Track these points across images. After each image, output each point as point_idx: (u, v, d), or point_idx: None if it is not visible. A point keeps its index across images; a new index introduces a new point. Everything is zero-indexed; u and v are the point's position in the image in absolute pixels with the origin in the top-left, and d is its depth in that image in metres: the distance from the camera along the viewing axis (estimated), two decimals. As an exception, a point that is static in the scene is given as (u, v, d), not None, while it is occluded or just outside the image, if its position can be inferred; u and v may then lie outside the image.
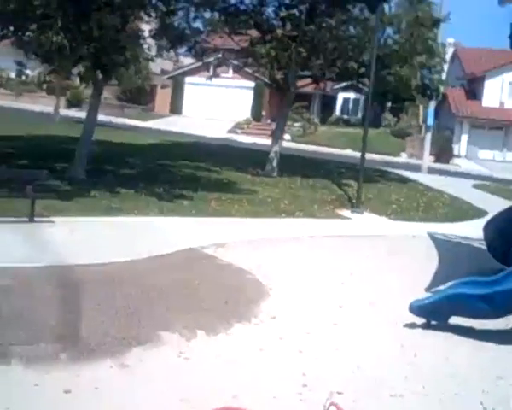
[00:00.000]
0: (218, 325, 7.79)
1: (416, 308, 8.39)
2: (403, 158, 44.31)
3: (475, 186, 26.50)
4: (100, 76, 17.03)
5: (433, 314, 8.33)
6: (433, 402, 6.27)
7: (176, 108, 53.08)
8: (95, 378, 6.16)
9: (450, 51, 54.03)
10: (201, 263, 10.73)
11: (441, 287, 10.51)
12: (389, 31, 22.78)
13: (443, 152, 44.19)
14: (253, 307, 8.71)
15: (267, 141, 41.66)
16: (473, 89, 53.39)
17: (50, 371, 6.22)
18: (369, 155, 39.85)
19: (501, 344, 8.11)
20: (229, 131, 46.42)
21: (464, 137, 50.70)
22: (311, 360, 7.07)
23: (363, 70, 21.34)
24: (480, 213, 19.20)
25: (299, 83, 24.46)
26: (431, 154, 44.25)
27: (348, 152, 42.02)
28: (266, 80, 44.44)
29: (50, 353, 6.53)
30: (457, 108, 50.49)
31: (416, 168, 32.18)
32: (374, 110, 52.36)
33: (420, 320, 8.57)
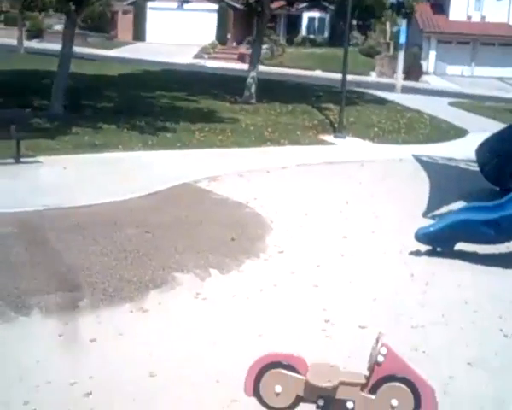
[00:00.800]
0: (228, 263, 7.77)
1: (422, 236, 8.43)
2: (372, 77, 44.06)
3: (451, 104, 26.47)
4: (73, 7, 16.50)
5: (439, 241, 8.39)
6: (454, 331, 6.35)
7: (139, 35, 51.87)
8: (117, 325, 6.13)
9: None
10: (198, 198, 10.64)
11: (438, 212, 10.64)
12: None
13: (412, 69, 43.95)
14: (259, 242, 8.69)
15: (235, 65, 41.32)
16: (439, 3, 52.86)
17: (72, 320, 6.17)
18: (337, 75, 39.83)
19: (506, 268, 8.21)
20: (196, 57, 45.60)
21: (432, 53, 50.47)
22: (327, 294, 7.11)
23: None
24: (460, 132, 19.26)
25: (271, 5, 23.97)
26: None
27: (318, 73, 41.69)
28: (232, 2, 43.66)
29: (69, 301, 6.46)
30: (424, 24, 50.08)
31: (389, 88, 32.00)
32: (341, 29, 51.99)
33: (424, 247, 8.64)
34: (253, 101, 21.18)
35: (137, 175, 11.71)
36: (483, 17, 51.19)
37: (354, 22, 49.88)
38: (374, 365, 3.70)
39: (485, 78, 47.38)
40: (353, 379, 3.76)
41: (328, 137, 17.32)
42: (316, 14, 55.14)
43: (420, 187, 12.20)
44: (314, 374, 3.68)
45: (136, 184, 11.01)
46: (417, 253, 8.58)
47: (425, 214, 10.52)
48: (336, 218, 10.13)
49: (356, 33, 49.30)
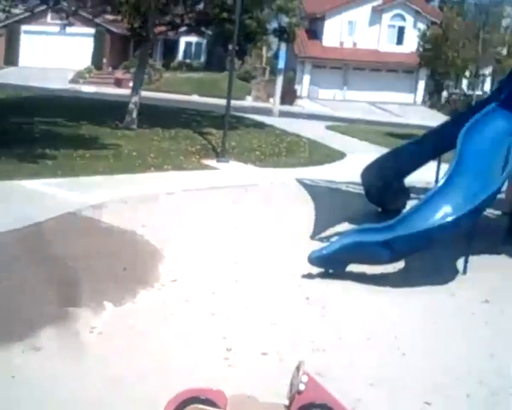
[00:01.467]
0: (122, 294, 7.54)
1: (315, 259, 8.52)
2: (248, 101, 44.61)
3: (328, 128, 27.21)
4: None
5: (332, 263, 8.51)
6: (353, 353, 6.43)
7: (11, 59, 50.18)
8: (9, 366, 5.79)
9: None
10: (84, 228, 10.32)
11: (324, 234, 10.84)
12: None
13: (287, 94, 44.87)
14: (152, 271, 8.52)
15: (111, 90, 40.79)
16: (314, 29, 54.38)
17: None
18: (214, 100, 40.16)
19: (395, 287, 8.42)
20: (72, 81, 44.73)
21: (306, 78, 51.82)
22: (225, 322, 7.02)
23: (224, 15, 21.03)
24: (338, 154, 19.80)
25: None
26: (273, 96, 44.96)
27: (195, 98, 41.82)
28: (109, 27, 43.00)
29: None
30: (299, 49, 51.32)
31: (266, 112, 32.51)
32: (218, 54, 52.46)
33: (316, 270, 8.72)
34: (135, 126, 20.91)
35: (19, 205, 11.21)
36: (355, 43, 53.11)
37: (230, 47, 50.55)
38: (294, 394, 3.66)
39: (357, 101, 49.12)
40: None
41: (212, 162, 17.32)
42: (193, 38, 55.26)
43: (305, 210, 12.36)
44: (233, 407, 3.60)
45: (19, 214, 10.52)
46: (310, 276, 8.65)
47: (312, 237, 10.68)
48: (226, 243, 10.09)
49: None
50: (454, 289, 8.54)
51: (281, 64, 32.29)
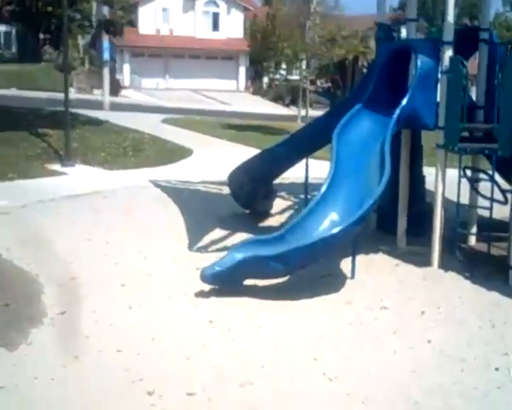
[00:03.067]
0: (13, 336, 6.86)
1: (209, 277, 8.23)
2: (71, 94, 42.74)
3: (165, 121, 26.75)
4: None
5: (227, 280, 8.26)
6: (279, 382, 6.24)
7: None
8: None
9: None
10: None
11: (201, 243, 10.57)
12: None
13: (111, 85, 43.71)
14: (36, 303, 7.85)
15: None
16: (126, 13, 53.37)
17: None
18: (35, 93, 38.23)
19: (295, 300, 8.30)
20: None
21: (126, 67, 50.94)
22: (136, 359, 6.58)
23: (49, 8, 19.89)
24: (185, 151, 19.51)
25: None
26: (97, 87, 43.65)
27: (14, 91, 39.53)
28: None
29: None
30: (117, 38, 50.16)
31: (95, 105, 31.30)
32: (31, 43, 50.00)
33: (207, 286, 8.44)
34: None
35: None
36: (171, 30, 52.83)
37: (41, 36, 48.35)
38: None
39: (180, 89, 48.95)
40: None
41: (57, 167, 16.40)
42: (1, 28, 52.38)
43: (172, 216, 12.02)
44: None
45: None
46: (203, 294, 8.34)
47: (190, 248, 10.37)
48: (103, 263, 9.51)
49: (48, 48, 47.79)
50: (349, 297, 8.58)
51: (106, 56, 31.33)
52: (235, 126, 26.20)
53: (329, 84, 47.54)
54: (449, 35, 9.77)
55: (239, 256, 8.23)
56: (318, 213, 8.72)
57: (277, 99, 48.62)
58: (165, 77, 51.70)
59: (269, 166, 11.42)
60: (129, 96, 45.23)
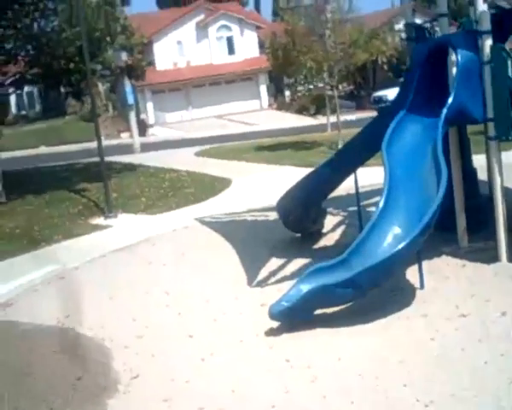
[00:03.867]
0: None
1: (278, 314, 7.96)
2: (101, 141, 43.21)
3: (198, 154, 26.64)
4: None
5: (296, 314, 7.97)
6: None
7: None
8: None
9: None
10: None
11: (261, 276, 10.30)
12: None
13: (138, 125, 43.97)
14: (107, 370, 7.64)
15: None
16: (143, 54, 53.71)
17: None
18: (64, 147, 38.54)
19: (364, 323, 8.00)
20: None
21: (150, 105, 51.07)
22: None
23: (72, 65, 19.94)
24: (224, 182, 19.26)
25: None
26: (124, 130, 43.95)
27: (43, 149, 39.97)
28: None
29: None
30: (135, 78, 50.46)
31: (126, 149, 31.42)
32: (53, 98, 50.58)
33: (276, 323, 8.16)
34: (3, 199, 19.20)
35: None
36: (188, 61, 52.97)
37: (62, 89, 48.81)
38: None
39: (204, 118, 49.01)
40: None
41: (100, 220, 16.30)
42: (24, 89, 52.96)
43: (224, 253, 11.79)
44: None
45: None
46: (275, 332, 8.07)
47: (250, 283, 10.12)
48: (166, 315, 9.29)
49: (71, 101, 48.21)
50: (424, 310, 8.24)
51: (130, 100, 31.47)
52: (266, 147, 25.97)
53: (352, 87, 47.20)
54: (486, 24, 9.42)
55: (305, 288, 7.95)
56: (379, 230, 8.40)
57: (302, 111, 48.37)
58: (188, 108, 51.76)
59: (316, 189, 11.13)
60: (156, 133, 45.40)
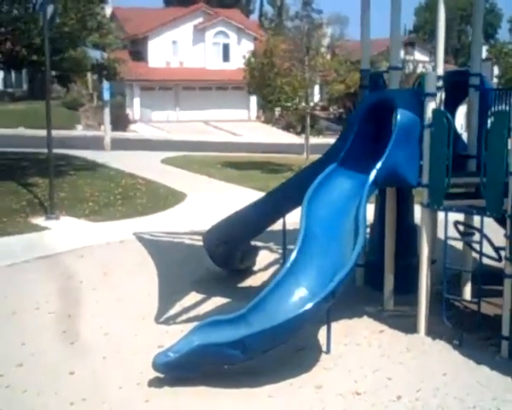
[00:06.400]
0: None
1: (162, 365, 7.45)
2: (78, 130, 42.73)
3: (164, 161, 26.08)
4: None
5: (182, 369, 7.47)
6: None
7: None
8: None
9: (108, 11, 53.19)
10: None
11: (171, 312, 9.82)
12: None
13: (119, 120, 43.35)
14: None
15: None
16: (137, 50, 53.30)
17: None
18: (42, 132, 37.82)
19: (252, 386, 7.51)
20: None
21: (136, 101, 50.63)
22: None
23: (35, 57, 19.42)
24: (179, 196, 18.78)
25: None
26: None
27: (21, 130, 39.43)
28: None
29: None
30: (125, 72, 49.83)
31: (98, 144, 30.83)
32: (41, 81, 49.79)
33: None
34: None
35: None
36: (181, 62, 52.57)
37: (53, 73, 48.10)
38: None
39: (191, 121, 48.56)
40: None
41: (40, 220, 15.77)
42: (12, 65, 52.20)
43: (146, 279, 11.32)
44: None
45: None
46: (157, 382, 7.55)
47: (158, 319, 9.62)
48: (59, 342, 8.75)
49: (56, 86, 47.47)
50: (320, 379, 7.75)
51: (106, 96, 30.89)
52: (234, 164, 25.48)
53: (341, 111, 46.85)
54: (431, 86, 8.99)
55: (195, 342, 7.45)
56: (284, 288, 7.92)
57: (289, 127, 47.98)
58: (175, 109, 51.31)
59: (243, 227, 10.66)
60: (138, 130, 44.85)
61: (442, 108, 9.40)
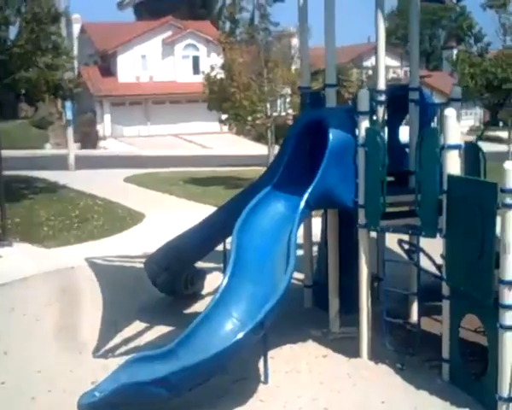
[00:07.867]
0: None
1: (87, 407, 7.21)
2: (47, 149, 42.30)
3: (127, 180, 25.76)
4: None
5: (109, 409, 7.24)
6: None
7: None
8: None
9: (77, 27, 52.88)
10: None
11: (110, 345, 9.58)
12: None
13: (88, 137, 43.07)
14: None
15: None
16: (107, 65, 53.09)
17: None
18: (11, 152, 37.44)
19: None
20: None
21: (107, 117, 50.29)
22: None
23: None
24: (137, 217, 18.45)
25: None
26: (76, 141, 42.95)
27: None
28: None
29: None
30: (95, 88, 49.65)
31: (63, 165, 30.43)
32: (7, 100, 49.32)
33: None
34: None
35: None
36: (151, 77, 52.35)
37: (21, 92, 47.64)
38: None
39: (162, 136, 48.30)
40: None
41: (-7, 247, 15.45)
42: (-20, 86, 51.73)
43: (91, 309, 11.03)
44: None
45: None
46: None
47: (95, 352, 9.37)
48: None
49: (24, 105, 47.05)
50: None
51: (68, 115, 30.47)
52: (198, 180, 25.27)
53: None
54: (364, 104, 8.84)
55: (120, 381, 7.21)
56: (214, 318, 7.72)
57: (260, 138, 47.76)
58: (146, 124, 51.02)
59: (185, 251, 10.43)
60: (108, 147, 44.53)
61: (385, 123, 9.33)
